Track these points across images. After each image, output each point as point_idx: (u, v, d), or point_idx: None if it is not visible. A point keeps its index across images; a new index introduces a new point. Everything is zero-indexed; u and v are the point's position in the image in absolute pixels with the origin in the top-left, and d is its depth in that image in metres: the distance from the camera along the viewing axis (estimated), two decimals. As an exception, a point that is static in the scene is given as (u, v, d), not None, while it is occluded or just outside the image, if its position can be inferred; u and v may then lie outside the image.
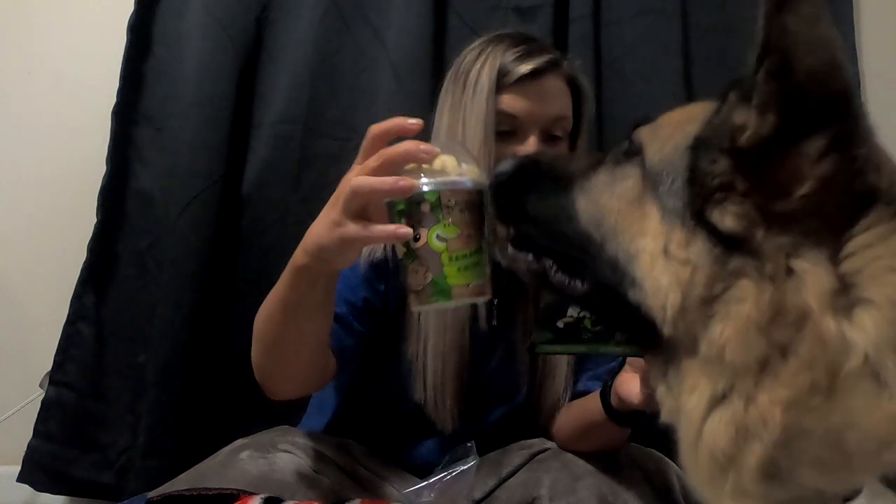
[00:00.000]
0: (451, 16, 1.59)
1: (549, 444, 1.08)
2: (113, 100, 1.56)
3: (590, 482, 0.96)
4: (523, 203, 0.66)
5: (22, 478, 1.47)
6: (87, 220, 1.53)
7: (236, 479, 0.93)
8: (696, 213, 0.51)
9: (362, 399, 1.12)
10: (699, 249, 0.50)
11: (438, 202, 0.69)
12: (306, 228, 1.45)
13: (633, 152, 0.59)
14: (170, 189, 1.53)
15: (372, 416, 1.12)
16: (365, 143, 0.76)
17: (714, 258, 0.49)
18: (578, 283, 0.61)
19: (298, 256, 0.83)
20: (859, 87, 1.60)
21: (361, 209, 0.75)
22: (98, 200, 1.54)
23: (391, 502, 0.94)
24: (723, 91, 0.55)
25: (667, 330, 0.51)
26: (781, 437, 0.45)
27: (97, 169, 1.55)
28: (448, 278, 0.70)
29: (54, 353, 1.51)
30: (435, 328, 1.05)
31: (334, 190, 1.65)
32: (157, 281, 1.52)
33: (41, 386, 1.52)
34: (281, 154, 1.55)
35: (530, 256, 0.66)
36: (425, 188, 0.69)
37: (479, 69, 1.07)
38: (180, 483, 0.94)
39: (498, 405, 1.12)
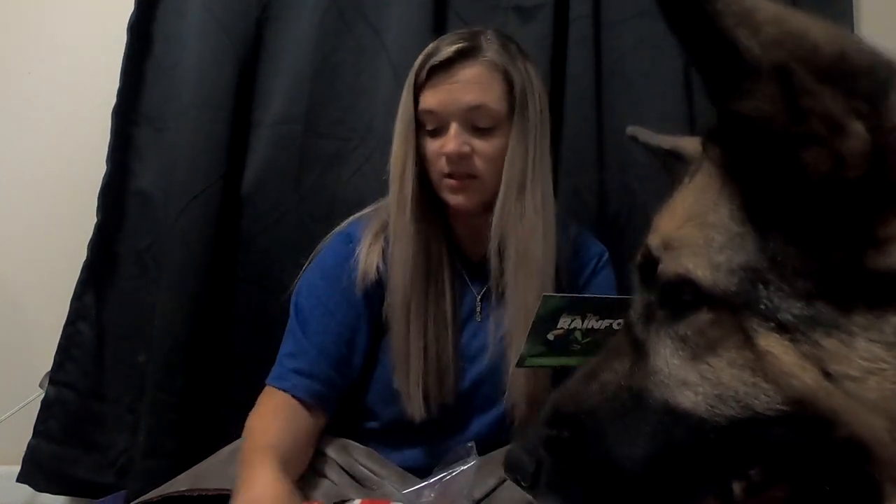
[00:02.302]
0: (451, 16, 1.59)
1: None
2: (112, 100, 1.56)
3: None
4: (600, 464, 0.47)
5: (22, 478, 1.47)
6: (86, 220, 1.53)
7: (236, 479, 0.93)
8: (835, 294, 0.38)
9: (350, 406, 1.12)
10: (867, 338, 0.37)
11: None
12: (306, 228, 1.47)
13: (678, 297, 0.44)
14: (170, 189, 1.53)
15: (358, 422, 1.12)
16: None
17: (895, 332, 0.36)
18: None
19: None
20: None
21: None
22: (98, 200, 1.54)
23: (391, 502, 0.94)
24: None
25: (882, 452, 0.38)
26: None
27: (97, 169, 1.55)
28: None
29: (54, 353, 1.51)
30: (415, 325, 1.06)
31: (334, 190, 1.65)
32: (158, 281, 1.52)
33: (41, 386, 1.52)
34: (281, 154, 1.55)
35: None
36: None
37: (413, 68, 1.08)
38: (180, 483, 0.94)
39: (484, 408, 1.12)
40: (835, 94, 0.37)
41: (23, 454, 1.47)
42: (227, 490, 0.90)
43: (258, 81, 1.58)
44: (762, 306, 0.40)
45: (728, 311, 0.42)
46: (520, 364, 0.95)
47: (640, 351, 0.47)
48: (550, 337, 0.91)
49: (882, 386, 0.37)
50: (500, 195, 1.06)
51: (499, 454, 1.06)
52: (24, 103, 1.68)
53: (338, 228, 1.17)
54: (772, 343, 0.40)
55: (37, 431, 1.48)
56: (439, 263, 1.09)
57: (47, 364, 1.51)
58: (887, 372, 0.37)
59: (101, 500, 1.46)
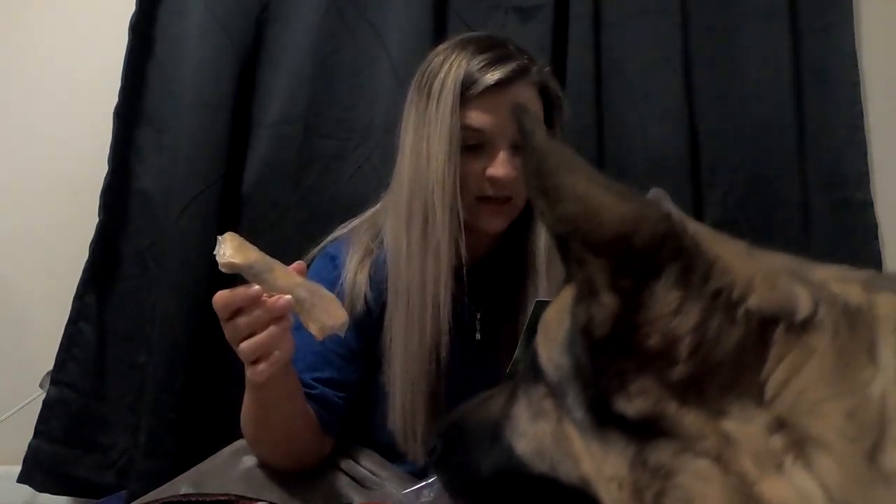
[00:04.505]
0: (451, 16, 1.59)
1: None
2: (113, 100, 1.56)
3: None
4: (464, 468, 0.61)
5: (22, 478, 1.47)
6: (88, 220, 1.54)
7: (237, 482, 0.93)
8: (600, 413, 0.46)
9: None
10: (616, 454, 0.44)
11: None
12: (306, 228, 1.45)
13: (537, 367, 0.53)
14: (170, 189, 1.53)
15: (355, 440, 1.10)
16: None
17: (632, 457, 0.43)
18: None
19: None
20: (859, 86, 1.60)
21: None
22: (100, 200, 1.54)
23: (391, 503, 0.94)
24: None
25: None
26: None
27: (98, 169, 1.55)
28: None
29: (55, 353, 1.51)
30: (401, 355, 1.00)
31: (334, 190, 1.64)
32: (158, 281, 1.52)
33: (41, 386, 1.52)
34: (281, 154, 1.55)
35: None
36: None
37: (443, 79, 1.00)
38: (181, 483, 0.94)
39: None
40: (602, 266, 0.43)
41: (23, 454, 1.47)
42: (227, 496, 0.90)
43: (258, 81, 1.58)
44: (567, 400, 0.49)
45: (553, 393, 0.51)
46: (511, 369, 0.94)
47: (512, 395, 0.57)
48: None
49: (621, 496, 0.44)
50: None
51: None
52: (24, 103, 1.68)
53: (326, 241, 1.15)
54: (570, 431, 0.48)
55: (37, 431, 1.48)
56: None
57: (48, 364, 1.52)
58: (623, 487, 0.44)
59: (101, 500, 1.46)
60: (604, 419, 0.45)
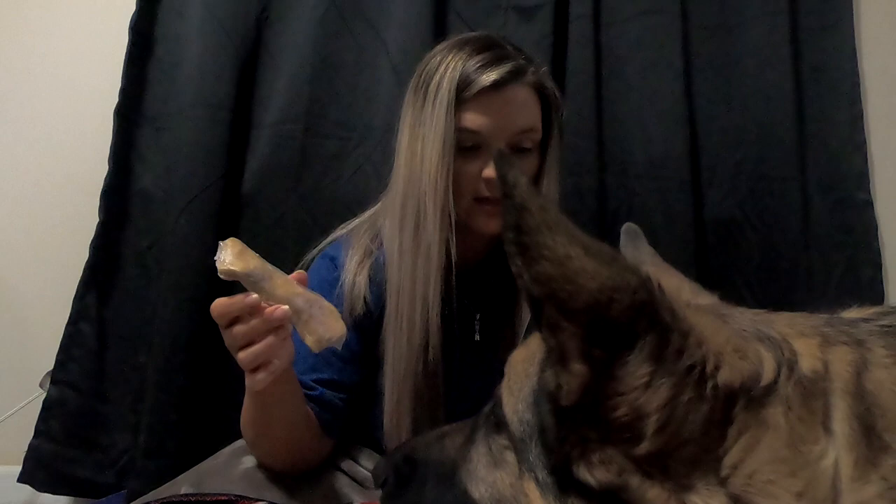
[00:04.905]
0: (451, 15, 1.59)
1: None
2: (114, 99, 1.56)
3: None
4: (411, 497, 0.62)
5: (23, 478, 1.47)
6: (88, 220, 1.53)
7: (237, 482, 0.93)
8: (562, 477, 0.45)
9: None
10: None
11: None
12: (306, 229, 1.44)
13: (500, 416, 0.53)
14: (170, 189, 1.53)
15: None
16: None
17: None
18: None
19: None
20: (859, 86, 1.60)
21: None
22: (100, 200, 1.54)
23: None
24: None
25: None
26: None
27: (99, 169, 1.55)
28: None
29: (55, 353, 1.51)
30: (391, 355, 1.01)
31: (334, 190, 1.63)
32: (159, 281, 1.52)
33: (41, 386, 1.52)
34: (281, 154, 1.55)
35: None
36: None
37: (439, 80, 1.00)
38: (181, 483, 0.94)
39: None
40: (575, 334, 0.42)
41: (24, 454, 1.47)
42: (228, 496, 0.90)
43: (258, 81, 1.58)
44: (529, 457, 0.49)
45: (515, 446, 0.51)
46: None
47: (472, 437, 0.57)
48: None
49: None
50: None
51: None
52: (25, 103, 1.68)
53: (326, 241, 1.15)
54: (530, 487, 0.48)
55: (38, 431, 1.48)
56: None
57: (48, 364, 1.52)
58: None
59: (101, 500, 1.46)
60: (566, 484, 0.45)
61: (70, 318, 1.52)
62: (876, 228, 1.56)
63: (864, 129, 1.59)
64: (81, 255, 1.53)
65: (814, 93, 1.59)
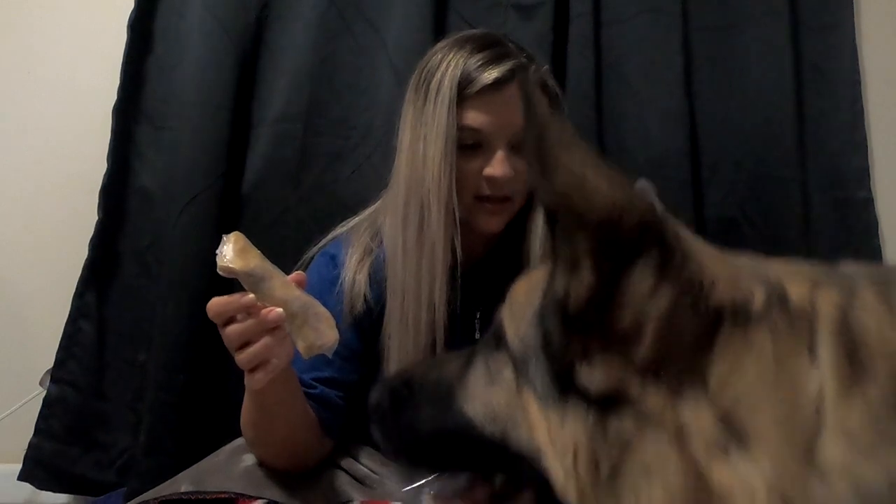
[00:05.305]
0: (451, 14, 1.59)
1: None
2: (113, 98, 1.56)
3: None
4: (409, 426, 0.63)
5: (23, 476, 1.47)
6: (88, 219, 1.53)
7: (237, 480, 0.93)
8: (563, 384, 0.48)
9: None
10: (575, 422, 0.46)
11: None
12: (306, 228, 1.44)
13: (500, 337, 0.56)
14: (170, 187, 1.53)
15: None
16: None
17: (592, 426, 0.45)
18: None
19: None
20: (859, 84, 1.60)
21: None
22: (99, 199, 1.54)
23: (391, 502, 0.94)
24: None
25: None
26: None
27: (98, 167, 1.55)
28: None
29: (55, 351, 1.51)
30: (397, 354, 1.01)
31: (334, 189, 1.63)
32: (158, 279, 1.52)
33: (41, 384, 1.52)
34: (281, 153, 1.55)
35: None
36: None
37: (440, 78, 1.00)
38: (181, 481, 0.94)
39: None
40: (588, 245, 0.45)
41: (24, 452, 1.47)
42: (228, 494, 0.90)
43: (258, 80, 1.58)
44: (529, 370, 0.51)
45: (514, 362, 0.53)
46: None
47: (469, 360, 0.59)
48: None
49: (575, 466, 0.46)
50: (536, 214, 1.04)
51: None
52: (24, 101, 1.68)
53: (326, 240, 1.15)
54: (528, 399, 0.51)
55: (38, 430, 1.48)
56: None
57: (48, 362, 1.52)
58: (579, 456, 0.46)
59: (101, 498, 1.46)
60: (566, 391, 0.48)
61: (70, 316, 1.52)
62: (876, 227, 1.56)
63: (864, 128, 1.59)
64: (81, 254, 1.53)
65: (814, 91, 1.59)
